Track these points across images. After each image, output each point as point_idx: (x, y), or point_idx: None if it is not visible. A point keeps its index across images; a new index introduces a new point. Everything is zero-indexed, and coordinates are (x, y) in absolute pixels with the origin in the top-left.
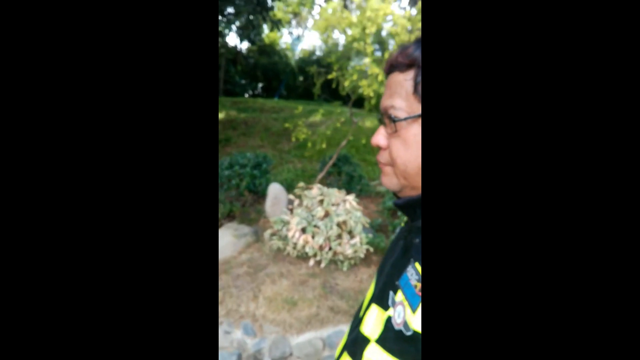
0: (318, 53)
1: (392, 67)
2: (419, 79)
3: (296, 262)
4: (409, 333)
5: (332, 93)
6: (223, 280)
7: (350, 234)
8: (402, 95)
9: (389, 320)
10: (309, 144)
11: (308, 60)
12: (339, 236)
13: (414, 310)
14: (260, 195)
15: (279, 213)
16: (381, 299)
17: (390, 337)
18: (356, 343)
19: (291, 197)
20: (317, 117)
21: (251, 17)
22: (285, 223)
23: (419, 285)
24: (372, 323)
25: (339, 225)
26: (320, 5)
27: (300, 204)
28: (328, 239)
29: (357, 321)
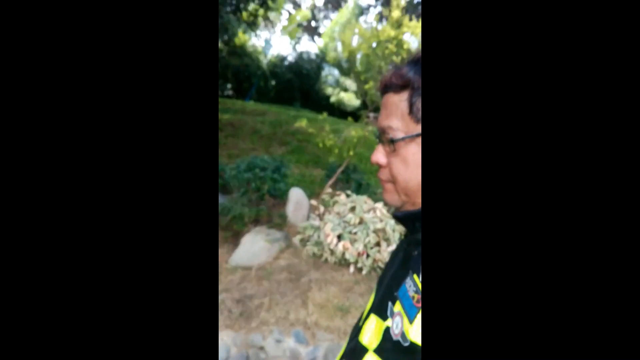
0: (290, 59)
1: (386, 87)
2: (414, 99)
3: (337, 268)
4: (406, 344)
5: (312, 102)
6: (264, 286)
7: (387, 241)
8: (398, 116)
9: (387, 330)
10: (336, 150)
11: (281, 65)
12: (377, 244)
13: (411, 321)
14: (279, 199)
15: (301, 218)
16: (380, 309)
17: (388, 347)
18: (354, 352)
19: (313, 202)
20: (303, 123)
21: (225, 17)
22: (316, 229)
23: (417, 296)
24: (371, 333)
25: (375, 232)
26: (289, 12)
27: (327, 211)
28: (365, 246)
29: (356, 330)
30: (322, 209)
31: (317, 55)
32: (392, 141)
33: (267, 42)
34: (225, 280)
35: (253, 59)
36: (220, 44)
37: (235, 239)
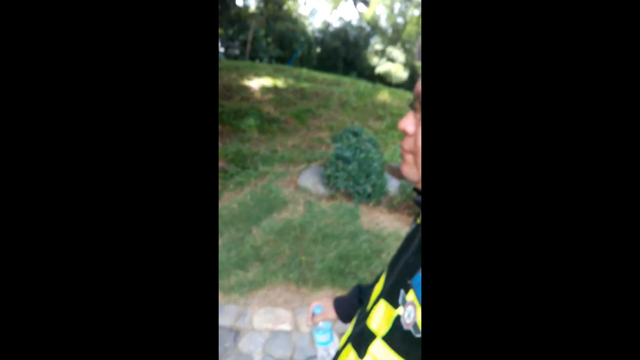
0: (335, 27)
1: None
2: None
3: None
4: (418, 335)
5: (356, 71)
6: None
7: None
8: None
9: (397, 319)
10: None
11: (325, 31)
12: None
13: None
14: None
15: None
16: (391, 295)
17: (398, 336)
18: (362, 336)
19: None
20: (385, 96)
21: None
22: None
23: None
24: (380, 319)
25: None
26: None
27: None
28: None
29: (363, 314)
30: None
31: (367, 22)
32: None
33: (313, 10)
34: None
35: (298, 24)
36: (270, 7)
37: None
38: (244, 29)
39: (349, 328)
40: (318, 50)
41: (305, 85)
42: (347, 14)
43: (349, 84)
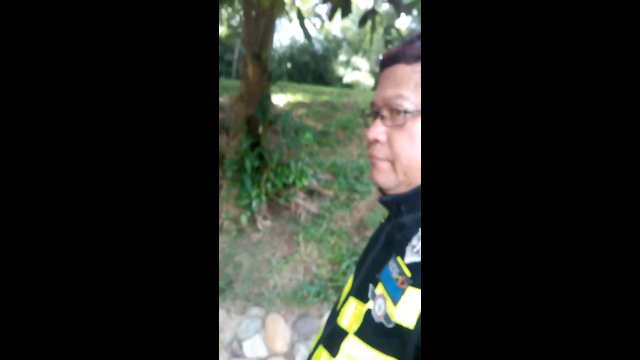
0: (299, 43)
1: (395, 59)
2: None
3: None
4: (390, 325)
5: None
6: None
7: None
8: (410, 87)
9: (368, 312)
10: None
11: (293, 47)
12: None
13: (395, 303)
14: None
15: None
16: (360, 292)
17: (370, 329)
18: (333, 336)
19: None
20: None
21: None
22: None
23: (401, 278)
24: (350, 316)
25: None
26: None
27: None
28: None
29: (334, 315)
30: None
31: (330, 36)
32: (406, 112)
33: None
34: None
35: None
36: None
37: None
38: (229, 50)
39: (320, 331)
40: (288, 65)
41: (325, 98)
42: (313, 30)
43: (359, 93)
